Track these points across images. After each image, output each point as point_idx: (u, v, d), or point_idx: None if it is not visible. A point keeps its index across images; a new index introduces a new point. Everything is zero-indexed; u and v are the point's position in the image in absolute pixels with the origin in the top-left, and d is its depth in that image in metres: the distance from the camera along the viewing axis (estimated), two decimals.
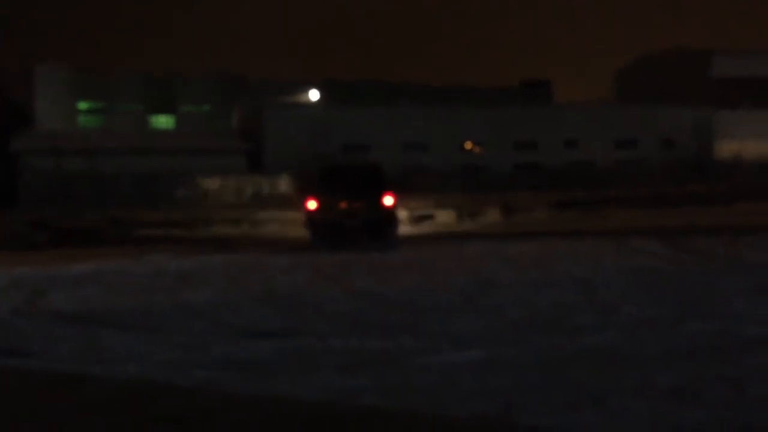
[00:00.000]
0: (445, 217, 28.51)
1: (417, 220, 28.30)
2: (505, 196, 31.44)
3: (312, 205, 15.58)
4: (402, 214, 19.98)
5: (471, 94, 56.56)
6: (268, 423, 4.17)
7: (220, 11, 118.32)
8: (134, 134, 46.82)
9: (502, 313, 7.65)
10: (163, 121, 53.26)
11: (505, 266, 11.94)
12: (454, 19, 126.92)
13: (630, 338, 6.20)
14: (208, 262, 13.60)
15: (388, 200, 15.24)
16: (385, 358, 5.73)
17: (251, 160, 44.37)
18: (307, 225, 15.93)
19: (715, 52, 55.57)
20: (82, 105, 51.96)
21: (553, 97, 60.79)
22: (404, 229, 19.84)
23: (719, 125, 51.73)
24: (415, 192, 35.11)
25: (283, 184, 40.54)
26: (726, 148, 49.85)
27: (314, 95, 53.21)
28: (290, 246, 16.51)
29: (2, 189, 35.63)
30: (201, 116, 53.35)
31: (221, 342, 6.52)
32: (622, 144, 51.30)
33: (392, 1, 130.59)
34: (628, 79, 61.89)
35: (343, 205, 15.49)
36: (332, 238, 15.53)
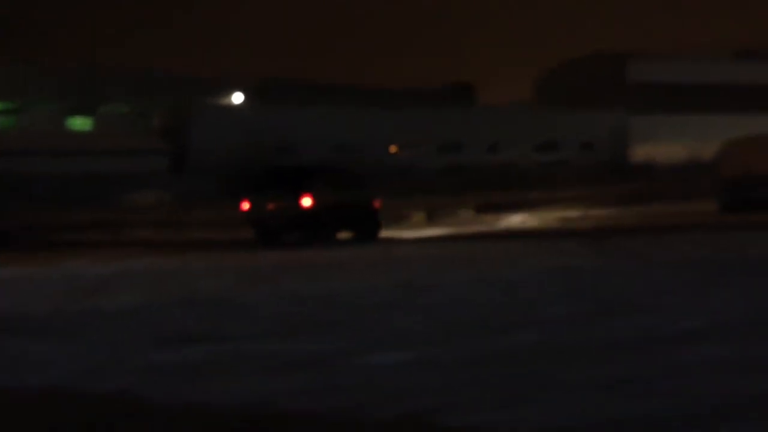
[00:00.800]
0: None
1: None
2: (431, 198, 31.74)
3: (245, 206, 16.36)
4: None
5: (398, 95, 56.94)
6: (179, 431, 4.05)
7: (145, 6, 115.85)
8: (51, 135, 45.26)
9: (431, 313, 7.68)
10: (79, 123, 51.60)
11: (433, 267, 12.02)
12: (381, 21, 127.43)
13: (555, 335, 6.30)
14: (130, 266, 13.24)
15: (306, 201, 15.60)
16: (313, 361, 5.66)
17: (174, 162, 43.50)
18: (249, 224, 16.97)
19: (631, 57, 57.35)
20: None
21: (477, 99, 61.70)
22: None
23: (635, 129, 53.42)
24: None
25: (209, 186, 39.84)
26: (641, 151, 51.52)
27: (239, 98, 52.51)
28: (216, 248, 16.26)
29: None
30: (121, 117, 51.94)
31: (141, 348, 6.32)
32: (543, 147, 52.45)
33: (322, 3, 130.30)
34: (549, 83, 63.30)
35: (270, 206, 16.15)
36: (265, 237, 16.41)
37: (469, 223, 25.36)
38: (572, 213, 27.85)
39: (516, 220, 25.27)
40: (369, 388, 4.79)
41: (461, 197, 33.21)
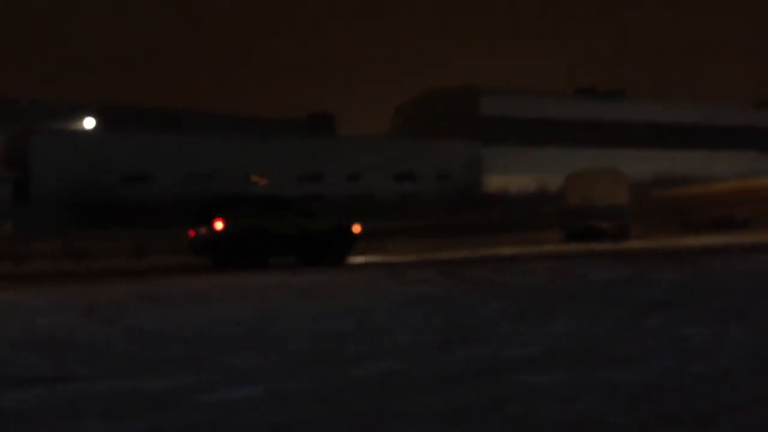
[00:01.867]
0: None
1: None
2: None
3: (191, 233, 17.84)
4: None
5: (258, 124, 56.52)
6: None
7: None
8: None
9: (281, 345, 7.59)
10: None
11: (287, 297, 11.92)
12: (243, 50, 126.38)
13: (404, 365, 6.38)
14: None
15: (218, 225, 16.89)
16: (158, 399, 5.44)
17: (18, 190, 41.06)
18: None
19: (484, 92, 59.80)
20: None
21: (337, 130, 62.32)
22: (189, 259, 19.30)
23: (488, 160, 55.58)
24: None
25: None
26: (494, 182, 53.62)
27: (90, 123, 50.38)
28: (57, 281, 15.41)
29: None
30: None
31: None
32: (401, 176, 53.50)
33: (180, 29, 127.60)
34: (407, 114, 64.92)
35: (199, 232, 17.55)
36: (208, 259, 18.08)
37: None
38: (430, 242, 28.48)
39: (371, 248, 25.54)
40: (213, 425, 4.67)
41: None
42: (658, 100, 66.45)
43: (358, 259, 20.79)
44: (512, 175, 53.19)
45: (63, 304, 11.60)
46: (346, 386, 5.67)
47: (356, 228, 17.99)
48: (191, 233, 17.51)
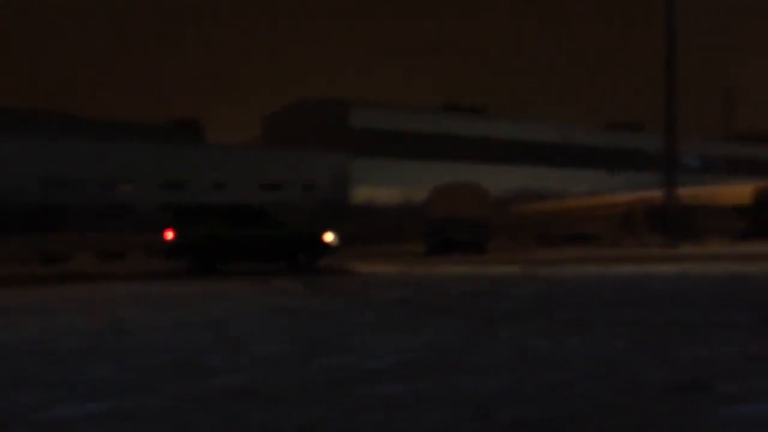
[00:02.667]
0: (86, 257, 26.86)
1: (51, 261, 26.20)
2: (150, 236, 30.59)
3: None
4: None
5: (118, 128, 54.34)
6: None
7: None
8: None
9: (133, 358, 7.31)
10: None
11: (141, 308, 11.50)
12: (108, 53, 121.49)
13: (259, 378, 6.29)
14: None
15: (168, 234, 18.12)
16: None
17: None
18: None
19: (353, 104, 60.26)
20: None
21: (204, 137, 60.96)
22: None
23: (356, 172, 56.00)
24: (60, 231, 32.49)
25: None
26: (361, 194, 54.05)
27: None
28: None
29: None
30: None
31: None
32: (267, 186, 53.01)
33: (44, 27, 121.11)
34: (277, 124, 64.44)
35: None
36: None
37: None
38: None
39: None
40: None
41: None
42: (518, 119, 69.36)
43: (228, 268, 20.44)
44: (379, 187, 53.89)
45: None
46: (199, 401, 5.52)
47: (326, 237, 18.47)
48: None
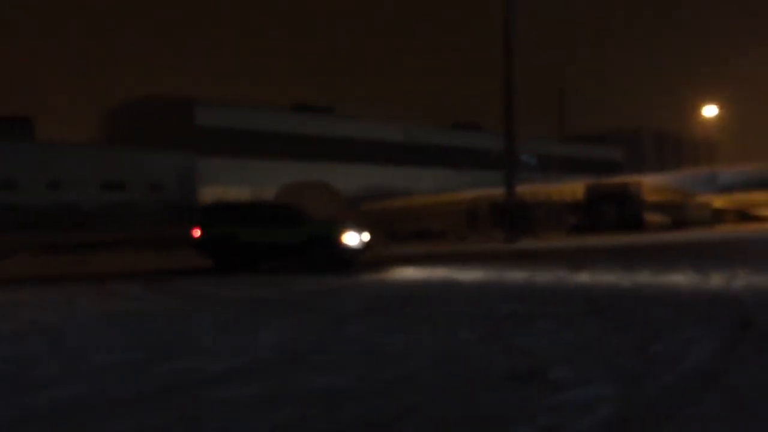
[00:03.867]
0: None
1: None
2: None
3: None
4: None
5: None
6: None
7: None
8: None
9: None
10: None
11: None
12: None
13: (95, 387, 5.98)
14: None
15: (195, 232, 18.41)
16: None
17: None
18: None
19: (199, 102, 58.74)
20: None
21: (34, 134, 57.40)
22: None
23: (203, 171, 54.70)
24: None
25: None
26: (208, 193, 52.88)
27: None
28: None
29: None
30: None
31: None
32: (109, 186, 50.71)
33: None
34: (115, 122, 61.72)
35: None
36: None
37: (24, 265, 23.23)
38: (134, 255, 27.25)
39: (74, 262, 23.88)
40: None
41: (17, 238, 30.37)
42: (366, 119, 70.27)
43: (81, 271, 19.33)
44: (227, 187, 52.90)
45: None
46: (28, 415, 5.18)
47: (344, 237, 17.46)
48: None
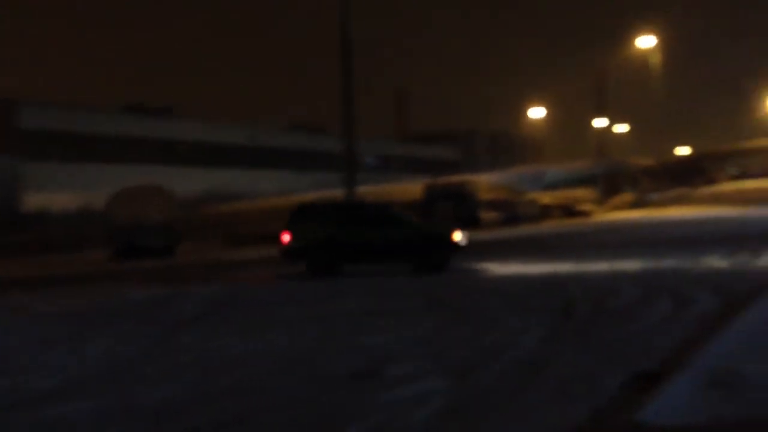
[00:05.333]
0: None
1: None
2: None
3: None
4: None
5: None
6: None
7: None
8: None
9: None
10: None
11: None
12: None
13: None
14: None
15: (285, 237, 16.67)
16: None
17: None
18: None
19: (24, 104, 55.06)
20: None
21: None
22: None
23: (28, 177, 51.35)
24: None
25: None
26: (34, 200, 49.69)
27: None
28: None
29: None
30: None
31: None
32: None
33: None
34: None
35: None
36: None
37: None
38: None
39: None
40: None
41: None
42: (205, 120, 68.59)
43: None
44: (55, 193, 49.88)
45: None
46: None
47: (455, 236, 16.45)
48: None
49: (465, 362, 6.30)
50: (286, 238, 16.64)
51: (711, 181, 78.41)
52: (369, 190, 48.25)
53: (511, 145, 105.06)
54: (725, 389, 4.96)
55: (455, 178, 55.98)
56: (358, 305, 10.34)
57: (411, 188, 52.47)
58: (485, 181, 57.71)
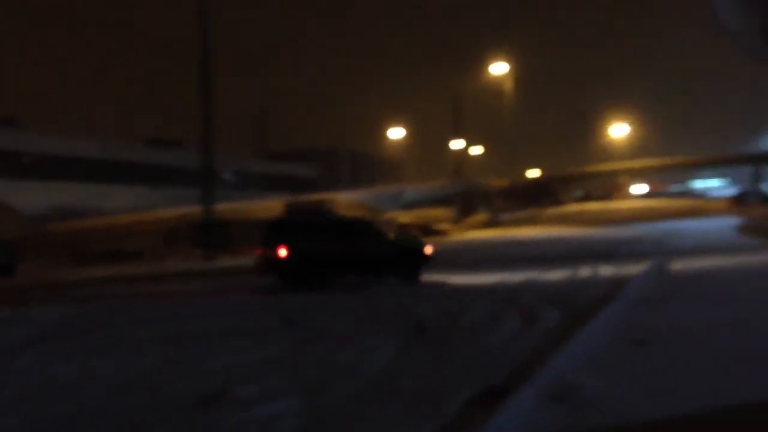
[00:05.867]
0: None
1: None
2: None
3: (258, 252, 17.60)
4: None
5: None
6: None
7: None
8: None
9: None
10: None
11: None
12: None
13: None
14: None
15: (281, 251, 16.63)
16: None
17: None
18: None
19: None
20: None
21: None
22: None
23: None
24: None
25: None
26: None
27: None
28: None
29: None
30: None
31: None
32: None
33: None
34: None
35: (258, 251, 17.67)
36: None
37: None
38: None
39: None
40: None
41: None
42: (57, 133, 65.20)
43: None
44: None
45: None
46: None
47: (427, 250, 17.41)
48: (258, 252, 17.28)
49: (317, 381, 6.23)
50: (282, 252, 16.54)
51: (558, 202, 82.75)
52: (227, 207, 47.43)
53: (372, 164, 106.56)
54: (566, 403, 5.15)
55: (315, 197, 56.09)
56: (215, 324, 10.04)
57: (271, 206, 51.94)
58: (345, 200, 58.05)
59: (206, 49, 32.51)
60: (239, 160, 79.00)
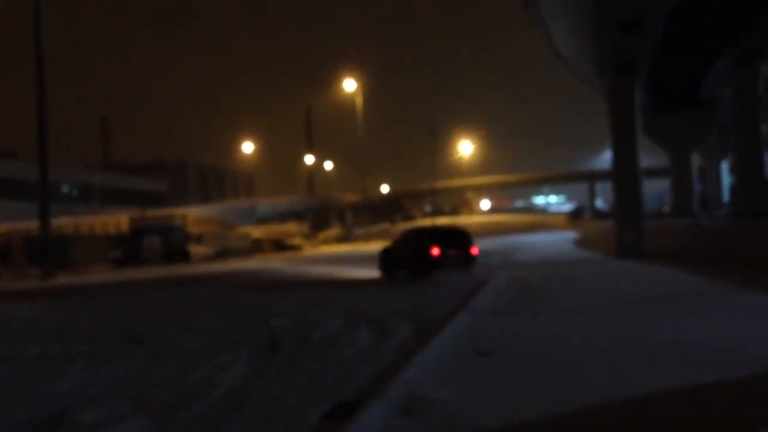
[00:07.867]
0: None
1: None
2: None
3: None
4: None
5: None
6: None
7: None
8: None
9: None
10: None
11: None
12: None
13: None
14: None
15: (435, 251, 19.07)
16: None
17: None
18: None
19: None
20: None
21: None
22: None
23: None
24: None
25: None
26: None
27: None
28: None
29: None
30: None
31: None
32: None
33: None
34: None
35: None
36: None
37: None
38: None
39: None
40: None
41: None
42: None
43: None
44: None
45: None
46: None
47: (474, 251, 19.83)
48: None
49: (166, 402, 6.03)
50: (435, 251, 19.03)
51: (409, 217, 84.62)
52: (68, 222, 45.05)
53: (222, 178, 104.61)
54: (415, 415, 5.27)
55: (163, 211, 54.35)
56: (47, 347, 9.48)
57: (116, 220, 49.81)
58: (196, 214, 56.61)
59: (39, 49, 30.89)
60: (82, 172, 75.26)
